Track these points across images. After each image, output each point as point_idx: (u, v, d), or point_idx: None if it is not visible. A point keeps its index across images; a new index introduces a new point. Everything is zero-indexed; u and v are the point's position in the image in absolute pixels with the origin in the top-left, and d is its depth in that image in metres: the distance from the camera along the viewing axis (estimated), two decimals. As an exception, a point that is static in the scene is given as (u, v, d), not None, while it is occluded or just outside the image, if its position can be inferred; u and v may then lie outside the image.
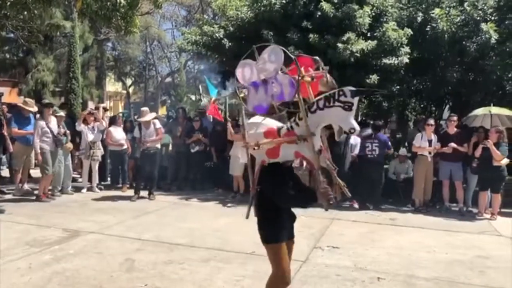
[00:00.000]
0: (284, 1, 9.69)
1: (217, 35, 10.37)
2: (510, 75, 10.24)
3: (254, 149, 3.20)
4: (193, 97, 33.86)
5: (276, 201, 3.17)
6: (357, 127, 2.94)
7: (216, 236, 6.49)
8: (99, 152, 10.01)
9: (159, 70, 37.00)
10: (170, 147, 10.82)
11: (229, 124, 9.79)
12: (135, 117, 13.66)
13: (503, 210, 8.56)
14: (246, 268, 5.16)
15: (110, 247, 5.84)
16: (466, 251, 6.14)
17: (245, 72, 3.17)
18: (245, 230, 6.92)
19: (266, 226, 3.30)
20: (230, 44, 10.25)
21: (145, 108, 9.92)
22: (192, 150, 10.47)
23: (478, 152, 8.34)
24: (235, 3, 10.59)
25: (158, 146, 9.43)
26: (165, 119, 13.25)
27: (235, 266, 5.23)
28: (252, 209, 3.35)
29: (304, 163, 3.14)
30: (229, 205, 9.02)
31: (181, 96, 31.22)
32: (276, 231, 3.29)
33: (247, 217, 3.42)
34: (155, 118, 9.72)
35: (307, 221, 7.77)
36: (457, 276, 5.15)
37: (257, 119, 3.28)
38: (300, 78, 2.98)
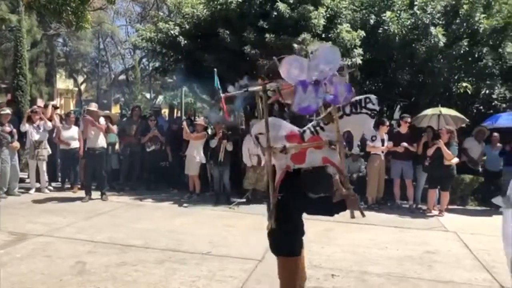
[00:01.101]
0: (240, 0, 9.67)
1: (172, 32, 10.23)
2: (456, 77, 10.70)
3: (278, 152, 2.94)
4: (148, 95, 33.25)
5: (301, 209, 3.03)
6: (377, 134, 2.90)
7: (171, 237, 6.39)
8: (45, 151, 9.61)
9: (113, 67, 36.12)
10: (117, 146, 10.59)
11: (184, 123, 9.70)
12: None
13: (449, 206, 8.93)
14: (202, 268, 5.11)
15: (60, 250, 5.62)
16: (416, 247, 6.35)
17: (293, 68, 2.82)
18: (200, 230, 6.92)
19: (283, 238, 3.10)
20: (185, 42, 10.14)
21: (93, 103, 9.71)
22: (148, 149, 10.28)
23: (430, 151, 8.64)
24: (190, 0, 10.49)
25: (104, 145, 9.12)
26: (119, 117, 12.94)
27: (190, 267, 5.16)
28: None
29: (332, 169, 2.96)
30: (184, 205, 8.91)
31: (135, 94, 30.56)
32: (293, 244, 3.15)
33: (268, 228, 3.08)
34: (107, 116, 9.49)
35: (261, 219, 7.75)
36: (407, 271, 5.32)
37: (272, 121, 3.01)
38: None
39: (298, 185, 2.94)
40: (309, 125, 3.11)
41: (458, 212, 8.92)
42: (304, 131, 3.02)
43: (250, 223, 7.46)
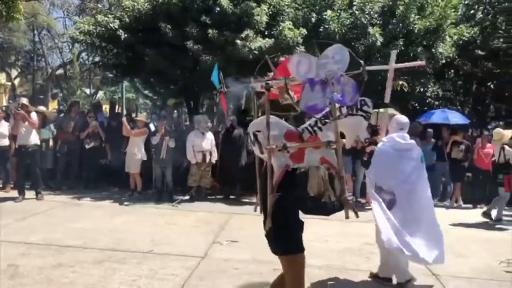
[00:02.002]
0: (182, -6, 9.54)
1: (112, 25, 9.90)
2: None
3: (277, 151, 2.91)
4: (87, 91, 32.07)
5: (298, 208, 2.98)
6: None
7: (111, 236, 6.21)
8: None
9: (49, 61, 34.42)
10: (51, 143, 10.16)
11: (124, 120, 9.45)
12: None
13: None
14: (142, 267, 5.02)
15: (-11, 253, 5.31)
16: (355, 239, 6.56)
17: (301, 65, 2.82)
18: (141, 229, 6.78)
19: (288, 236, 3.05)
20: (125, 35, 9.85)
21: (24, 98, 9.25)
22: (87, 146, 9.90)
23: (369, 148, 8.89)
24: (131, -7, 10.20)
25: (37, 142, 8.69)
26: (56, 113, 12.38)
27: (131, 266, 5.05)
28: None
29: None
30: (125, 203, 8.69)
31: (74, 90, 29.38)
32: (299, 241, 3.09)
33: (266, 228, 3.04)
34: (40, 111, 9.07)
35: (205, 216, 7.79)
36: (346, 263, 5.51)
37: (272, 119, 2.99)
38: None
39: (296, 184, 2.96)
40: (306, 124, 3.12)
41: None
42: (303, 131, 3.04)
43: (193, 221, 7.40)
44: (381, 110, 9.92)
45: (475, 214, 8.80)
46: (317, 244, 6.25)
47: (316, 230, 7.05)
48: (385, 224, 4.38)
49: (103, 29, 10.05)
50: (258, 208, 3.30)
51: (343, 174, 3.02)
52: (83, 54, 31.12)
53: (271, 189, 2.92)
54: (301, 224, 3.09)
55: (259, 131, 3.04)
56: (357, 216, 3.14)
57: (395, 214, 4.48)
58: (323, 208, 3.06)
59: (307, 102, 2.81)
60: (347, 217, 3.07)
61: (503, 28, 12.69)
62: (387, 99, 4.71)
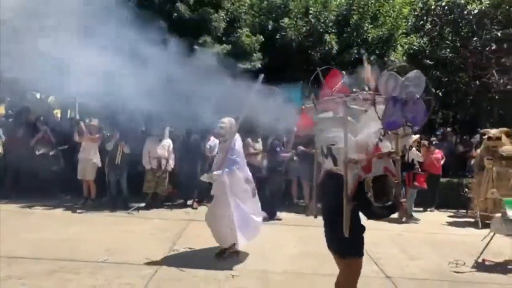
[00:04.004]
0: (138, -1, 9.40)
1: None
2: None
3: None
4: (38, 95, 30.90)
5: (369, 215, 3.22)
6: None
7: (64, 246, 6.00)
8: None
9: (-3, 63, 33.04)
10: (0, 149, 9.73)
11: (82, 125, 9.22)
12: None
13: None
14: (97, 277, 4.89)
15: None
16: (312, 244, 6.65)
17: (389, 83, 3.04)
18: (96, 237, 6.61)
19: (354, 242, 3.26)
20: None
21: None
22: (37, 153, 9.51)
23: None
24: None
25: None
26: (4, 118, 11.88)
27: (84, 276, 4.91)
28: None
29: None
30: (79, 211, 8.44)
31: (23, 94, 28.21)
32: (362, 245, 3.37)
33: (346, 234, 3.16)
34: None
35: (161, 224, 7.68)
36: (304, 268, 5.56)
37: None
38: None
39: (365, 193, 3.10)
40: None
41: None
42: None
43: (149, 228, 7.28)
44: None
45: (426, 218, 9.15)
46: (275, 249, 6.31)
47: (273, 236, 7.12)
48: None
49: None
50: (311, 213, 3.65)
51: (399, 181, 3.25)
52: (34, 57, 30.00)
53: (348, 200, 3.12)
54: (364, 229, 3.35)
55: (333, 145, 3.31)
56: (409, 218, 3.43)
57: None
58: (383, 214, 3.22)
59: (389, 118, 3.05)
60: (402, 219, 3.37)
61: (450, 38, 13.32)
62: None
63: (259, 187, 6.74)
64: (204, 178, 5.89)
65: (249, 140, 8.81)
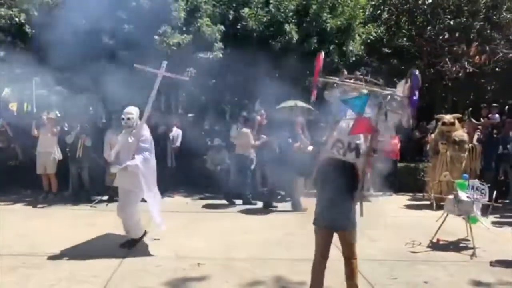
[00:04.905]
0: (97, -12, 9.19)
1: (17, 20, 9.26)
2: (308, 72, 11.55)
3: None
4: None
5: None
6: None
7: (25, 241, 5.92)
8: None
9: None
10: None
11: (44, 118, 9.02)
12: None
13: (310, 191, 9.60)
14: (61, 271, 4.89)
15: None
16: (276, 231, 6.82)
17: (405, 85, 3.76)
18: (59, 231, 6.56)
19: (354, 217, 3.92)
20: (33, 31, 9.27)
21: None
22: (-6, 147, 9.26)
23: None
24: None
25: None
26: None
27: (48, 271, 4.90)
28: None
29: None
30: (39, 206, 8.28)
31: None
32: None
33: (362, 214, 3.93)
34: None
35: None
36: (268, 253, 5.70)
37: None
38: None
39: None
40: None
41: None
42: None
43: (113, 221, 7.21)
44: (298, 104, 10.32)
45: (385, 201, 9.46)
46: (239, 237, 6.42)
47: (237, 224, 7.24)
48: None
49: (8, 22, 9.37)
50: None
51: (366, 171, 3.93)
52: (-15, 48, 28.75)
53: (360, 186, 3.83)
54: None
55: (359, 140, 3.85)
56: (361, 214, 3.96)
57: None
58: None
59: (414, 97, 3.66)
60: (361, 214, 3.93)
61: (406, 27, 13.69)
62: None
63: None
64: (116, 169, 5.82)
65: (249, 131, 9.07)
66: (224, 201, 9.03)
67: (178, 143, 9.93)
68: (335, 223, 3.92)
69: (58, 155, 8.84)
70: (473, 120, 10.27)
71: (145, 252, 5.63)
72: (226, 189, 9.19)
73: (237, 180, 9.02)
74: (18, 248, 5.61)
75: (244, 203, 8.87)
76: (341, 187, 3.78)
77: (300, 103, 10.39)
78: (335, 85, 3.97)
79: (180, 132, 10.09)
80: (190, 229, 6.84)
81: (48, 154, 8.73)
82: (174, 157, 9.66)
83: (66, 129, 9.49)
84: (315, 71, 4.01)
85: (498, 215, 7.89)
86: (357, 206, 3.93)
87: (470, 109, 10.93)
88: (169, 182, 9.10)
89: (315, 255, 4.09)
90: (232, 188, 9.14)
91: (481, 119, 10.66)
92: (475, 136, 9.93)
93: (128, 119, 5.79)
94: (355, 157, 3.83)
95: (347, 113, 3.91)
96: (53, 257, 5.32)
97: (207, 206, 8.74)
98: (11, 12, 9.37)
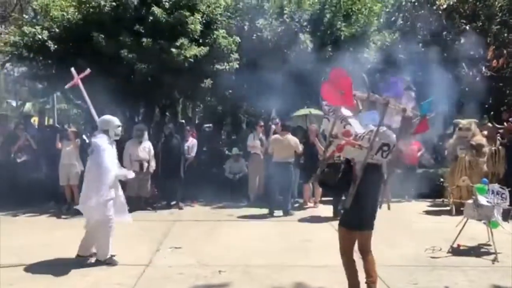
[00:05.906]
0: (114, 4, 9.45)
1: (40, 36, 9.58)
2: (323, 79, 11.60)
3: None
4: (14, 103, 30.39)
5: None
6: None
7: (50, 251, 6.06)
8: None
9: (-32, 73, 32.29)
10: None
11: (69, 131, 9.26)
12: None
13: (323, 198, 9.67)
14: (87, 279, 5.03)
15: None
16: (294, 237, 6.87)
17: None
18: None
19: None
20: (55, 46, 9.57)
21: None
22: (18, 160, 9.49)
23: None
24: (60, 3, 9.94)
25: None
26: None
27: (74, 279, 5.04)
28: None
29: None
30: (63, 217, 8.47)
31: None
32: None
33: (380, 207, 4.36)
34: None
35: (147, 224, 7.79)
36: (287, 260, 5.75)
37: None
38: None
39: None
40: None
41: (331, 203, 9.72)
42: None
43: (135, 230, 7.36)
44: (312, 112, 10.37)
45: (404, 207, 9.42)
46: (257, 244, 6.49)
47: (256, 231, 7.31)
48: None
49: (31, 39, 9.69)
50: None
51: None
52: (8, 65, 29.52)
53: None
54: None
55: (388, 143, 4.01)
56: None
57: None
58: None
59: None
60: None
61: (421, 33, 13.66)
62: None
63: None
64: (131, 175, 6.15)
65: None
66: (244, 209, 9.12)
67: (193, 153, 10.07)
68: (367, 224, 4.24)
69: (80, 167, 9.03)
70: (495, 124, 10.17)
71: (167, 261, 5.73)
72: (271, 199, 8.99)
73: (280, 190, 8.87)
74: (44, 257, 5.75)
75: (284, 214, 8.71)
76: (377, 189, 4.19)
77: (314, 111, 10.47)
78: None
79: (195, 142, 10.23)
80: (210, 237, 6.94)
81: (71, 166, 8.94)
82: (187, 167, 9.76)
83: (87, 141, 9.69)
84: (346, 89, 4.00)
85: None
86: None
87: (492, 113, 10.83)
88: (188, 192, 9.25)
89: (348, 256, 4.28)
90: (274, 198, 8.96)
91: (504, 123, 10.54)
92: (497, 141, 9.84)
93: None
94: (381, 157, 4.02)
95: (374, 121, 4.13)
96: (77, 266, 5.45)
97: (226, 214, 8.82)
98: (34, 30, 9.66)
